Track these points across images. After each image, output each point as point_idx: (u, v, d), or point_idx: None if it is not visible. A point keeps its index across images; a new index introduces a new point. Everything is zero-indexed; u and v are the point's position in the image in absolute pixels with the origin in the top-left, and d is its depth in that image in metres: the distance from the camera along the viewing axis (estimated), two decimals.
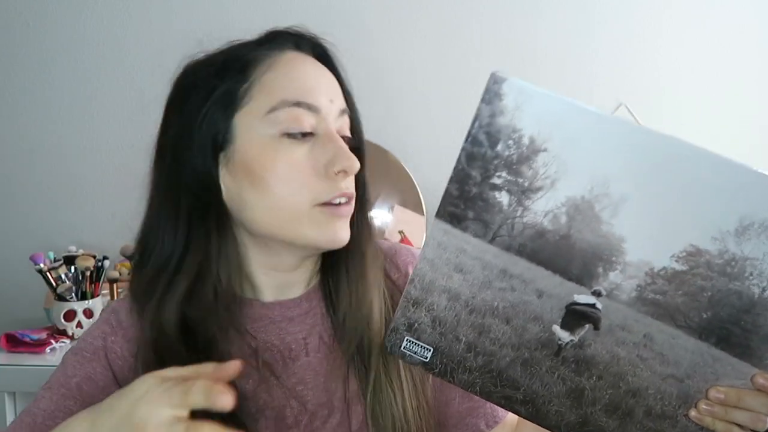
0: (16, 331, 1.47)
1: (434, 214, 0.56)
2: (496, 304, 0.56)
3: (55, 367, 0.70)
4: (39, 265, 1.47)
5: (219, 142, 0.67)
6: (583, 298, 0.53)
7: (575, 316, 0.54)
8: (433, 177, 1.68)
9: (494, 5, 1.69)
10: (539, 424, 0.58)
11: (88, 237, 1.69)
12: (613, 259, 0.52)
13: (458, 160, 0.53)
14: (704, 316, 0.52)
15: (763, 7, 1.66)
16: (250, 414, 0.68)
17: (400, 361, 0.70)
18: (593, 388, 0.55)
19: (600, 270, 0.52)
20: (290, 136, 0.65)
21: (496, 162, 0.52)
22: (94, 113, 1.70)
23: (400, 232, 1.62)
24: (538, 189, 0.52)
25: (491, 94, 0.51)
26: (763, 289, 0.50)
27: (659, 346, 0.53)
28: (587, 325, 0.54)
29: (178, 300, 0.66)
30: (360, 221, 0.72)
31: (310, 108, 0.66)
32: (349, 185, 0.68)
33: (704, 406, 0.53)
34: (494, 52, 1.69)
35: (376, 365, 0.69)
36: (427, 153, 1.71)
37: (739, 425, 0.53)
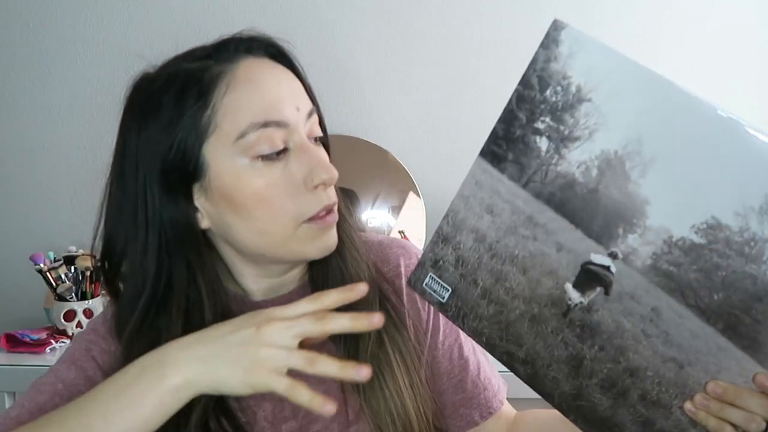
0: (16, 331, 1.46)
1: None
2: (516, 252, 0.56)
3: None
4: (39, 265, 1.47)
5: (191, 173, 0.65)
6: (599, 258, 0.53)
7: (588, 277, 0.54)
8: (433, 177, 1.68)
9: (494, 5, 1.68)
10: (534, 389, 0.58)
11: (88, 237, 1.68)
12: (635, 221, 0.51)
13: (509, 101, 0.55)
14: (715, 297, 0.50)
15: (763, 7, 1.66)
16: (248, 406, 0.68)
17: (390, 348, 0.70)
18: (593, 358, 0.54)
19: (620, 231, 0.52)
20: (264, 158, 0.64)
21: (542, 106, 0.54)
22: (94, 113, 1.70)
23: (401, 232, 1.62)
24: (576, 139, 0.53)
25: (549, 39, 0.53)
26: None
27: (665, 324, 0.52)
28: (598, 288, 0.53)
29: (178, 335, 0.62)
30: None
31: (279, 124, 0.64)
32: (330, 195, 0.67)
33: (700, 399, 0.51)
34: (494, 52, 1.68)
35: (366, 353, 0.68)
36: (427, 153, 1.70)
37: (732, 425, 0.51)
